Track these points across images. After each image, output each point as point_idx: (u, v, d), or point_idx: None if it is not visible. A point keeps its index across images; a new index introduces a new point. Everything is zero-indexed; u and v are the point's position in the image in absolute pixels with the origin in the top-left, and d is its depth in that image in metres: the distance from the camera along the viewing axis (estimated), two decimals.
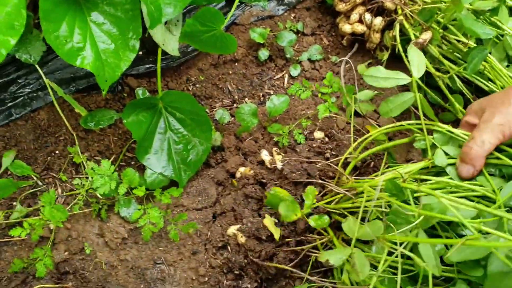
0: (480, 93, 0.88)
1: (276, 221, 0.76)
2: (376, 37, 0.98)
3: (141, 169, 0.84)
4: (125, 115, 0.82)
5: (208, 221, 0.81)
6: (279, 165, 0.82)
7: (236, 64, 1.01)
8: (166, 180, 0.83)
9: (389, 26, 0.97)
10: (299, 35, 1.05)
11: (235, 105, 0.97)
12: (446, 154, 0.70)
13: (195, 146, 0.85)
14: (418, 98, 0.71)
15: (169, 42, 0.95)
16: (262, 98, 0.99)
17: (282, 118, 0.94)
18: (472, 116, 0.72)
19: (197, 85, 0.98)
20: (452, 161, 0.69)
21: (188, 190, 0.84)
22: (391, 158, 0.85)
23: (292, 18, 1.06)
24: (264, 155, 0.84)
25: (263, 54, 1.01)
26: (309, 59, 1.03)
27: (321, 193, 0.78)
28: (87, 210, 0.81)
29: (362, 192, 0.69)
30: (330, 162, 0.81)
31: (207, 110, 0.95)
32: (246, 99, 0.98)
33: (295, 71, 1.01)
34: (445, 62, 0.87)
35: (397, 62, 0.94)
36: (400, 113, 0.73)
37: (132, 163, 0.88)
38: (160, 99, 0.85)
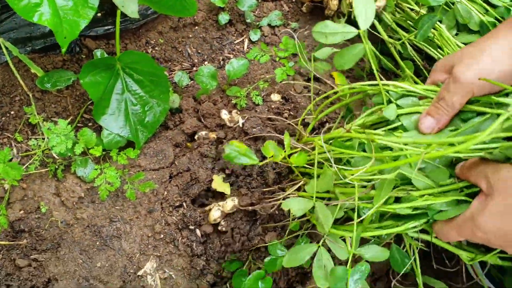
0: (429, 60, 0.91)
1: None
2: (334, 4, 0.99)
3: (99, 130, 0.84)
4: (82, 75, 0.82)
5: (165, 181, 0.83)
6: (240, 122, 0.83)
7: (196, 27, 1.01)
8: (123, 140, 0.84)
9: None
10: (259, 1, 1.06)
11: (194, 68, 0.98)
12: (400, 107, 0.68)
13: (153, 108, 0.86)
14: (368, 49, 0.70)
15: (129, 3, 0.94)
16: (221, 62, 1.00)
17: (241, 81, 0.95)
18: (438, 73, 0.68)
19: (157, 48, 0.98)
20: (405, 111, 0.67)
21: (146, 151, 0.85)
22: (349, 114, 0.86)
23: None
24: (224, 114, 0.85)
25: (224, 18, 1.01)
26: (269, 25, 1.04)
27: None
28: (44, 170, 0.81)
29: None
30: (290, 122, 0.83)
31: (166, 72, 0.96)
32: (206, 62, 0.99)
33: (255, 36, 1.02)
34: (398, 29, 0.90)
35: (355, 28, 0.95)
36: (353, 64, 0.73)
37: (90, 124, 0.88)
38: (118, 59, 0.85)
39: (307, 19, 1.05)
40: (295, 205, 0.65)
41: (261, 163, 0.71)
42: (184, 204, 0.81)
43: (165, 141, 0.86)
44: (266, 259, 0.75)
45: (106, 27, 0.94)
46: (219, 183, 0.78)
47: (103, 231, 0.78)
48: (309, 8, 1.05)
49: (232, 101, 0.90)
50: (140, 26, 0.97)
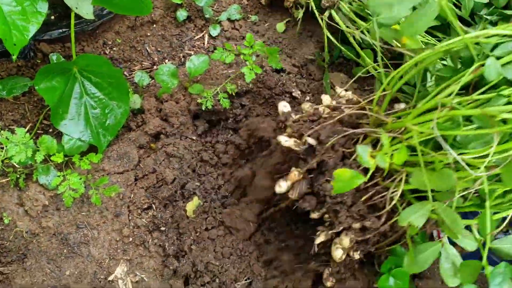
0: (390, 46, 0.92)
1: None
2: None
3: (60, 136, 0.82)
4: (37, 81, 0.80)
5: (130, 183, 0.82)
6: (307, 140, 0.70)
7: (154, 25, 1.00)
8: (85, 145, 0.83)
9: None
10: None
11: (155, 67, 0.97)
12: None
13: (113, 110, 0.84)
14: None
15: (83, 4, 0.92)
16: (182, 59, 0.99)
17: (204, 78, 0.94)
18: None
19: (115, 48, 0.96)
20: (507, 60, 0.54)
21: (109, 154, 0.84)
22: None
23: None
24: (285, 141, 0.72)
25: (182, 14, 1.00)
26: (228, 19, 1.03)
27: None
28: (4, 180, 0.79)
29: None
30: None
31: (125, 73, 0.94)
32: (166, 60, 0.98)
33: (214, 31, 1.01)
34: (356, 19, 0.90)
35: (314, 19, 0.96)
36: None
37: (51, 130, 0.86)
38: (74, 63, 0.83)
39: (266, 12, 1.05)
40: (412, 215, 0.56)
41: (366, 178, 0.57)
42: (153, 206, 0.80)
43: (128, 143, 0.85)
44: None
45: (61, 30, 0.92)
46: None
47: (70, 239, 0.77)
48: (268, 1, 1.05)
49: (198, 101, 0.89)
50: (97, 27, 0.95)
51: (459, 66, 0.62)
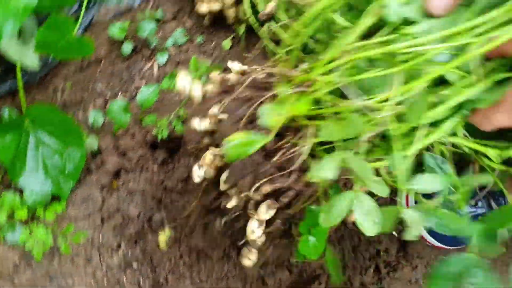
0: None
1: None
2: (231, 12, 1.00)
3: (21, 189, 0.83)
4: None
5: (98, 225, 0.83)
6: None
7: (102, 63, 1.00)
8: (48, 196, 0.83)
9: None
10: (160, 22, 1.06)
11: (108, 104, 0.97)
12: None
13: (71, 156, 0.85)
14: None
15: (27, 55, 0.93)
16: (135, 91, 0.99)
17: (157, 107, 0.95)
18: None
19: (66, 92, 0.97)
20: None
21: (73, 200, 0.84)
22: None
23: (150, 7, 1.06)
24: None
25: (127, 47, 1.01)
26: (174, 44, 1.04)
27: None
28: None
29: None
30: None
31: (80, 115, 0.95)
32: (119, 95, 0.99)
33: (162, 58, 1.02)
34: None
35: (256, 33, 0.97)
36: None
37: (12, 185, 0.87)
38: (25, 116, 0.84)
39: (210, 31, 1.06)
40: (322, 169, 0.51)
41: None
42: (122, 244, 0.81)
43: (90, 185, 0.86)
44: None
45: (10, 83, 0.93)
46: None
47: None
48: (211, 20, 1.06)
49: (153, 132, 0.91)
50: (45, 75, 0.96)
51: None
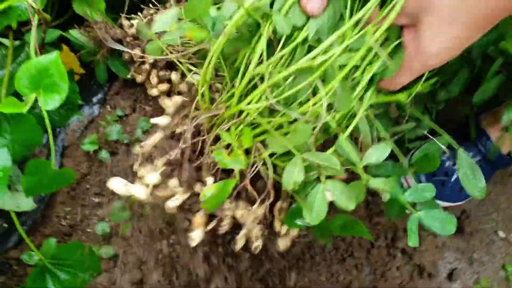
0: None
1: None
2: (182, 86, 1.08)
3: None
4: None
5: None
6: None
7: (89, 177, 1.09)
8: None
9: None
10: (123, 119, 1.14)
11: (108, 210, 1.06)
12: None
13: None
14: None
15: (22, 199, 1.02)
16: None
17: None
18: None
19: (68, 216, 1.05)
20: None
21: None
22: None
23: (109, 110, 1.15)
24: None
25: (105, 154, 1.09)
26: (144, 132, 1.13)
27: None
28: None
29: None
30: None
31: (87, 229, 1.03)
32: (116, 198, 1.07)
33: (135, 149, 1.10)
34: None
35: None
36: None
37: None
38: (42, 256, 0.93)
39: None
40: (292, 176, 0.61)
41: None
42: None
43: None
44: None
45: (17, 234, 1.01)
46: None
47: None
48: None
49: None
50: (45, 207, 1.05)
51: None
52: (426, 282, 1.11)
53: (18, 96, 0.92)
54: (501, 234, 1.17)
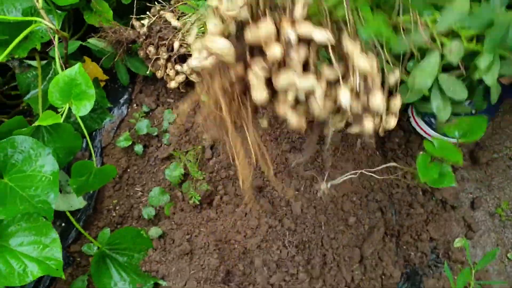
0: None
1: None
2: (194, 76, 1.18)
3: None
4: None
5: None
6: None
7: (128, 170, 1.21)
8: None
9: None
10: (150, 114, 1.25)
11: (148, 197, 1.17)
12: None
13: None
14: None
15: (73, 199, 1.15)
16: (162, 175, 1.19)
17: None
18: None
19: (117, 208, 1.17)
20: None
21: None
22: None
23: (135, 108, 1.26)
24: None
25: (139, 148, 1.20)
26: (170, 123, 1.23)
27: None
28: None
29: None
30: None
31: (136, 215, 1.15)
32: (154, 185, 1.19)
33: (165, 139, 1.21)
34: None
35: None
36: None
37: None
38: (100, 244, 1.06)
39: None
40: None
41: None
42: None
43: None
44: None
45: (72, 235, 1.14)
46: None
47: None
48: (184, 87, 1.24)
49: (189, 197, 1.09)
50: (95, 202, 1.17)
51: None
52: (450, 214, 1.18)
53: (54, 109, 1.04)
54: None
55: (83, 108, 1.01)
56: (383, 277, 1.07)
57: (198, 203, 1.09)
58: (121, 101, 1.26)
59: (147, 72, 1.22)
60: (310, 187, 1.09)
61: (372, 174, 1.11)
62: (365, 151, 1.14)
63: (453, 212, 1.20)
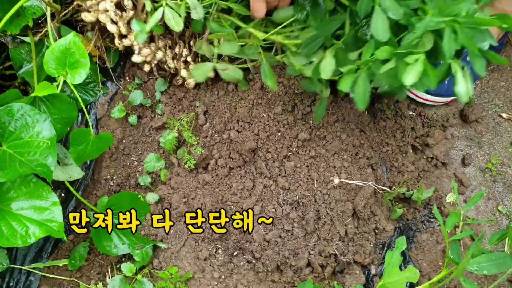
0: None
1: None
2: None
3: None
4: None
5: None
6: None
7: (123, 140, 1.23)
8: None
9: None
10: (142, 86, 1.27)
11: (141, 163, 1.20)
12: None
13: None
14: None
15: (72, 170, 1.17)
16: (157, 143, 1.21)
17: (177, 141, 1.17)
18: None
19: (114, 177, 1.20)
20: None
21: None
22: None
23: (128, 80, 1.28)
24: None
25: (133, 119, 1.23)
26: (162, 93, 1.25)
27: None
28: None
29: None
30: None
31: (132, 183, 1.18)
32: (149, 152, 1.21)
33: (159, 110, 1.23)
34: None
35: None
36: None
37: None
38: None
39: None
40: None
41: None
42: None
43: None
44: None
45: (74, 199, 1.17)
46: None
47: None
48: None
49: (184, 162, 1.12)
50: (92, 171, 1.20)
51: None
52: (442, 171, 1.21)
53: (50, 81, 1.06)
54: (505, 115, 1.26)
55: (78, 76, 1.03)
56: (376, 231, 1.10)
57: (193, 167, 1.12)
58: (114, 74, 1.28)
59: None
60: (302, 148, 1.12)
61: (362, 131, 1.14)
62: (354, 111, 1.17)
63: (445, 169, 1.23)
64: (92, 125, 1.21)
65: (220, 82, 1.20)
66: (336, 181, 1.08)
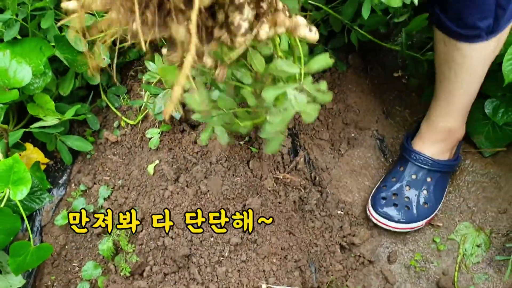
0: None
1: None
2: None
3: None
4: None
5: None
6: None
7: (66, 247, 1.29)
8: None
9: None
10: (86, 192, 1.35)
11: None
12: None
13: None
14: None
15: (13, 278, 1.21)
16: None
17: None
18: None
19: (55, 284, 1.24)
20: None
21: None
22: None
23: (73, 187, 1.36)
24: None
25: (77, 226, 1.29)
26: (106, 199, 1.33)
27: None
28: None
29: None
30: None
31: None
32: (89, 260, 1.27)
33: None
34: None
35: None
36: None
37: None
38: None
39: None
40: None
41: None
42: None
43: None
44: None
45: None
46: None
47: None
48: None
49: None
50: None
51: None
52: (369, 269, 1.29)
53: None
54: None
55: (19, 193, 1.11)
56: None
57: (129, 274, 1.17)
58: (60, 182, 1.36)
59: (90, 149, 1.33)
60: (234, 252, 1.19)
61: (291, 233, 1.22)
62: (284, 213, 1.25)
63: (372, 267, 1.31)
64: (36, 233, 1.27)
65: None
66: (264, 286, 1.14)
